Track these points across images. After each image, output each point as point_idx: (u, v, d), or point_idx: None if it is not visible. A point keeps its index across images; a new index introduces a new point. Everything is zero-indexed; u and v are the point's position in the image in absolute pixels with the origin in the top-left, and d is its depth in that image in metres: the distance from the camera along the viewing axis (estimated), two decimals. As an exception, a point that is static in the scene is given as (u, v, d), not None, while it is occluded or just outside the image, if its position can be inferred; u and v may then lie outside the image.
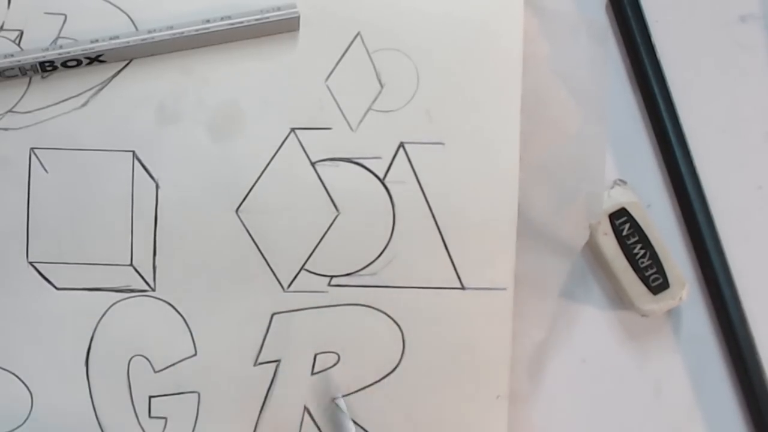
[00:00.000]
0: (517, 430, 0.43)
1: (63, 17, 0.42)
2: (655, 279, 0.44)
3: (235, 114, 0.42)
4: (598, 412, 0.45)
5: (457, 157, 0.43)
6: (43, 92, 0.42)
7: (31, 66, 0.41)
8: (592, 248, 0.45)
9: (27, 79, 0.42)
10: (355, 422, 0.42)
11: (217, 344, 0.42)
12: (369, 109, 0.43)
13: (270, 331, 0.42)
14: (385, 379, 0.43)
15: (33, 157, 0.42)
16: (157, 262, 0.42)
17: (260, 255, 0.42)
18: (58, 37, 0.42)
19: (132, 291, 0.42)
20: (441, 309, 0.43)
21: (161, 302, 0.42)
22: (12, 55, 0.41)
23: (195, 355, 0.42)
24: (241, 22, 0.41)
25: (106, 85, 0.42)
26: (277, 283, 0.42)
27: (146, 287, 0.42)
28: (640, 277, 0.44)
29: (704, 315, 0.46)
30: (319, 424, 0.42)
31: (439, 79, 0.43)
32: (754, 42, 0.47)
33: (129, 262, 0.42)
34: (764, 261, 0.46)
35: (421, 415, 0.43)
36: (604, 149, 0.44)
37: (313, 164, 0.43)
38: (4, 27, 0.42)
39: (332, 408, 0.42)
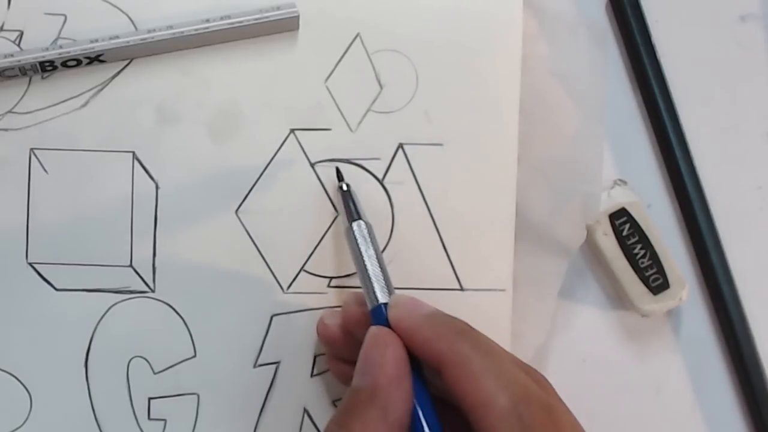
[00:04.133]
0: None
1: (63, 17, 0.42)
2: (656, 279, 0.44)
3: (235, 114, 0.42)
4: (598, 412, 0.45)
5: (455, 158, 0.43)
6: (43, 92, 0.42)
7: (31, 66, 0.41)
8: (592, 248, 0.45)
9: (27, 80, 0.42)
10: None
11: (217, 346, 0.42)
12: (368, 110, 0.43)
13: (270, 332, 0.42)
14: (385, 380, 0.42)
15: (33, 157, 0.42)
16: (156, 263, 0.42)
17: (260, 256, 0.42)
18: (58, 38, 0.42)
19: (131, 292, 0.42)
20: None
21: (161, 303, 0.42)
22: (12, 55, 0.41)
23: (194, 356, 0.42)
24: (241, 22, 0.41)
25: (106, 85, 0.42)
26: (276, 284, 0.42)
27: (146, 288, 0.42)
28: (640, 278, 0.44)
29: (704, 315, 0.46)
30: (318, 426, 0.42)
31: (439, 81, 0.43)
32: (754, 42, 0.46)
33: (129, 263, 0.42)
34: (764, 261, 0.46)
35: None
36: (602, 150, 0.44)
37: (312, 165, 0.42)
38: (4, 27, 0.42)
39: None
